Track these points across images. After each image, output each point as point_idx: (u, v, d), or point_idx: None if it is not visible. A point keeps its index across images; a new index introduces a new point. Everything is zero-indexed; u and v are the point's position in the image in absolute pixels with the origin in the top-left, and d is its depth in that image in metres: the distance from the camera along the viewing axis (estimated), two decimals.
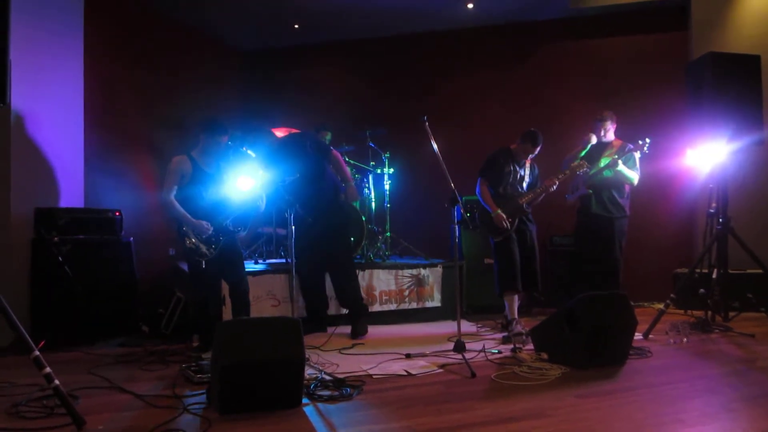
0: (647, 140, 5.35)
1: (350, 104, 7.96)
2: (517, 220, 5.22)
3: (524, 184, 5.35)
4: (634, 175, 5.57)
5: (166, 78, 6.91)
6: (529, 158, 5.36)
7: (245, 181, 4.62)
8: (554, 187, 5.19)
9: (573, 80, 7.36)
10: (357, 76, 8.15)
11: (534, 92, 7.48)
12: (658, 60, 7.10)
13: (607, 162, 5.49)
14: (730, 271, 5.49)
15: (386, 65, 8.04)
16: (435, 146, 4.65)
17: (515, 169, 5.31)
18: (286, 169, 4.89)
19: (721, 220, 5.27)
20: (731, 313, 5.56)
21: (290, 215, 4.49)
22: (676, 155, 6.04)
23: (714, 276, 5.40)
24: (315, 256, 5.22)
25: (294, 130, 6.06)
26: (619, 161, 5.44)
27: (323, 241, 5.18)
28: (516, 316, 5.15)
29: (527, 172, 5.37)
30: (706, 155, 5.37)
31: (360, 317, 5.27)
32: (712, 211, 5.36)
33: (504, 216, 5.13)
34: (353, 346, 4.74)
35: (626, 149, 5.48)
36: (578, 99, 7.14)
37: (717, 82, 5.01)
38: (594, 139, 5.61)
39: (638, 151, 5.47)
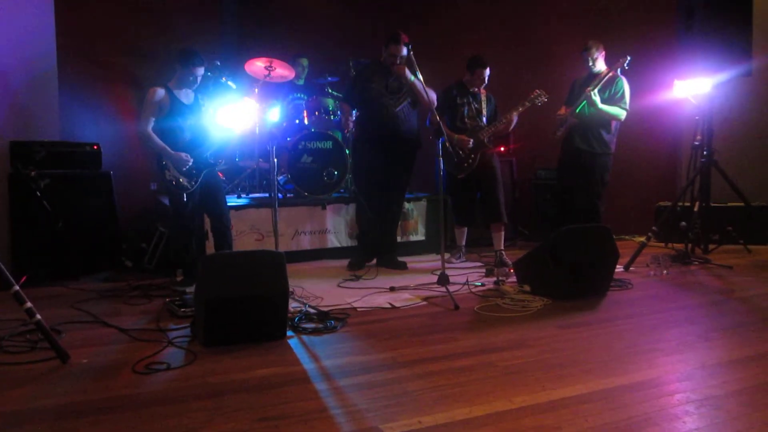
0: (627, 57, 5.02)
1: (333, 33, 7.72)
2: (479, 156, 5.19)
3: (483, 118, 5.30)
4: (618, 111, 5.19)
5: (143, 7, 6.64)
6: (482, 88, 5.32)
7: (226, 112, 4.52)
8: (514, 119, 5.17)
9: (562, 6, 7.14)
10: (342, 4, 7.87)
11: (522, 24, 7.26)
12: None
13: (583, 103, 5.17)
14: (712, 204, 5.53)
15: None
16: (420, 77, 4.55)
17: (469, 101, 5.29)
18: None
19: (705, 152, 5.27)
20: (711, 246, 5.64)
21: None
22: (663, 86, 5.95)
23: (696, 209, 5.43)
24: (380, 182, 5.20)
25: (276, 60, 5.89)
26: (595, 98, 5.05)
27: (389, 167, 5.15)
28: (462, 243, 5.57)
29: (484, 104, 5.32)
30: (694, 86, 5.30)
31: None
32: (696, 143, 5.34)
33: (467, 138, 5.14)
34: None
35: (607, 77, 5.14)
36: (567, 29, 6.95)
37: (707, 10, 4.91)
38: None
39: (623, 77, 5.17)
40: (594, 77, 5.23)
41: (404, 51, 4.88)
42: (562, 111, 5.41)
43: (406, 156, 5.21)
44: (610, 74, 5.13)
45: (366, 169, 5.18)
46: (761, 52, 5.34)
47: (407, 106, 5.11)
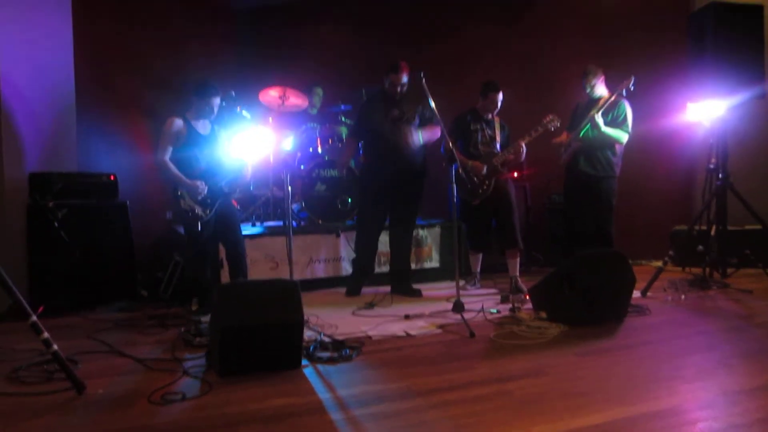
0: (632, 78, 4.96)
1: (346, 60, 7.81)
2: (493, 182, 5.19)
3: (497, 145, 5.29)
4: (620, 134, 5.14)
5: (159, 37, 6.77)
6: (495, 115, 5.34)
7: (241, 142, 4.57)
8: (524, 148, 5.12)
9: (571, 30, 7.18)
10: (354, 33, 7.95)
11: (534, 47, 7.31)
12: (659, 11, 6.92)
13: (587, 127, 5.14)
14: (729, 228, 5.48)
15: (383, 20, 7.84)
16: (432, 103, 4.57)
17: (483, 128, 5.30)
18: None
19: (720, 175, 5.23)
20: (729, 270, 5.57)
21: None
22: (676, 110, 5.93)
23: (712, 233, 5.38)
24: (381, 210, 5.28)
25: (290, 89, 5.97)
26: (598, 120, 5.03)
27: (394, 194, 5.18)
28: (477, 270, 5.58)
29: (497, 130, 5.33)
30: (707, 109, 5.28)
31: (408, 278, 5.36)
32: (711, 166, 5.30)
33: (481, 165, 5.13)
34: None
35: (610, 100, 5.08)
36: (577, 53, 6.98)
37: (719, 33, 4.92)
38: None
39: (625, 100, 5.12)
40: (597, 101, 5.21)
41: (404, 79, 5.02)
42: (563, 138, 5.38)
43: (411, 184, 5.22)
44: (614, 97, 5.09)
45: (370, 197, 5.23)
46: None
47: (409, 135, 5.13)
